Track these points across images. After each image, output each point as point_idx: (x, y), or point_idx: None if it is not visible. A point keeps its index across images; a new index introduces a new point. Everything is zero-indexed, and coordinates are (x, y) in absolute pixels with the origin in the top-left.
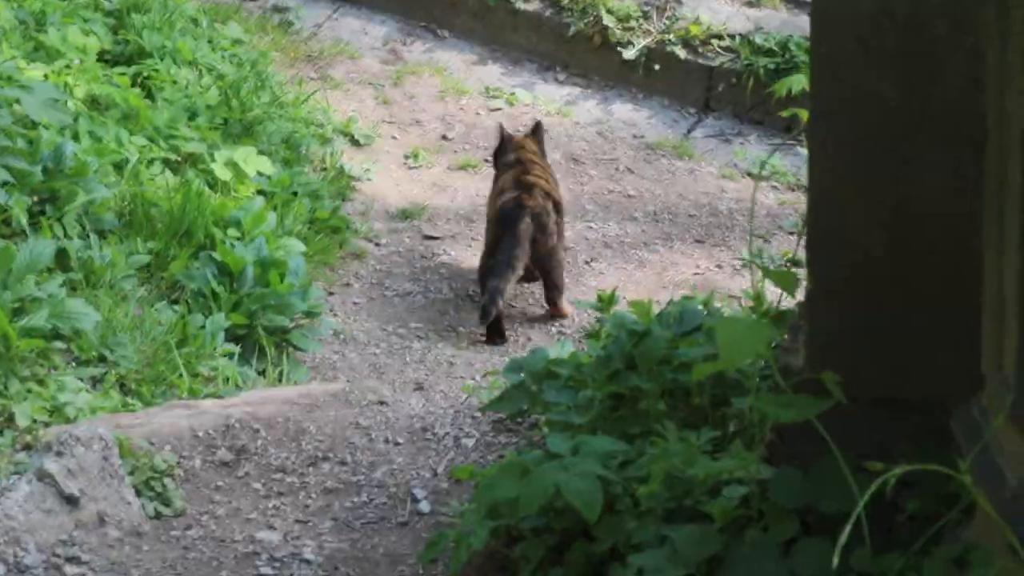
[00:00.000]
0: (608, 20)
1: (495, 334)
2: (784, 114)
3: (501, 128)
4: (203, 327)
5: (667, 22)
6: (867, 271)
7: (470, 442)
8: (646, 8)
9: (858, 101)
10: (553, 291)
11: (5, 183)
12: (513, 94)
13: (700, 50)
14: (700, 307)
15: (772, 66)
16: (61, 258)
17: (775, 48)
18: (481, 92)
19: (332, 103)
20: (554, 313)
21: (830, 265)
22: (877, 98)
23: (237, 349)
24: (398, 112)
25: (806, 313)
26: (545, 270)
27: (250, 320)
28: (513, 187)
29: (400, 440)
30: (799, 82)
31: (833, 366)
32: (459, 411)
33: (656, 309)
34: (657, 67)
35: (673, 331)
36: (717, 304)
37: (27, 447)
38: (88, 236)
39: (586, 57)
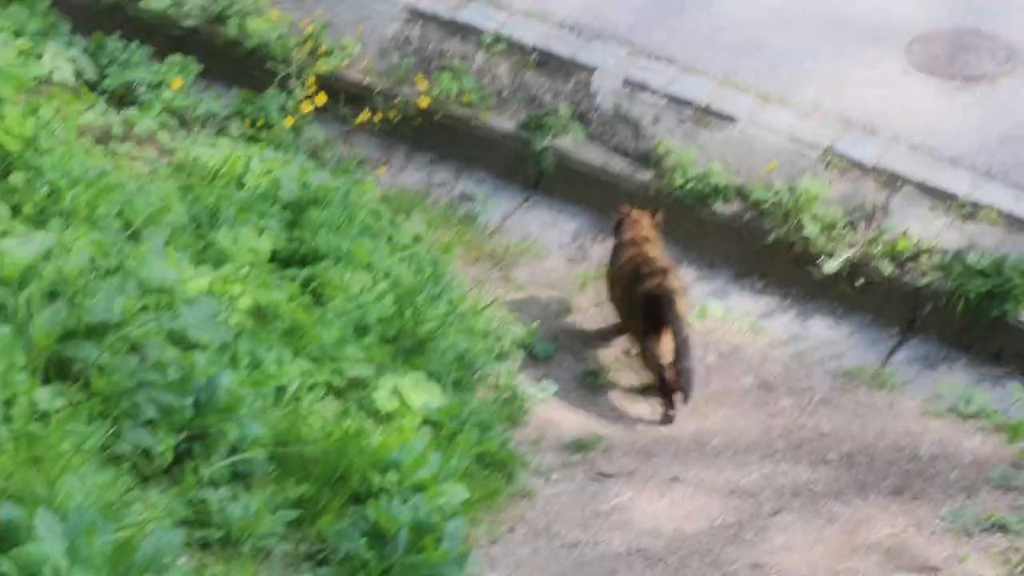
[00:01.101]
0: (810, 229)
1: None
2: None
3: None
4: None
5: (873, 233)
6: None
7: None
8: (852, 217)
9: None
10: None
11: (151, 420)
12: (704, 307)
13: (907, 266)
14: None
15: (984, 289)
16: (201, 508)
17: (989, 269)
18: None
19: (512, 307)
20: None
21: None
22: None
23: None
24: (582, 321)
25: None
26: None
27: None
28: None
29: None
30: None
31: None
32: None
33: None
34: (860, 282)
35: None
36: None
37: None
38: (234, 481)
39: (784, 267)
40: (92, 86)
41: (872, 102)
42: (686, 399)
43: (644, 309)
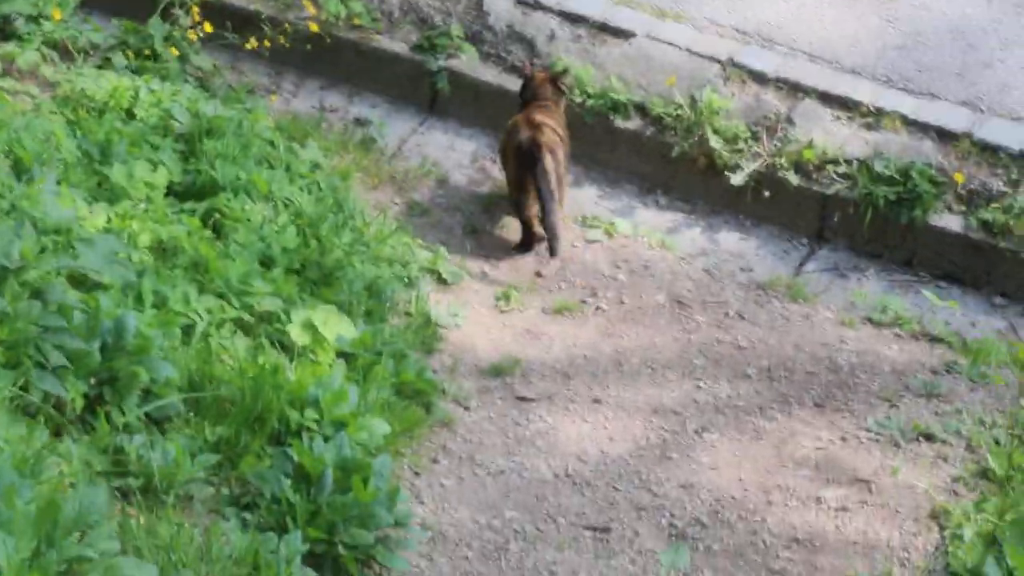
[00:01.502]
0: (714, 141)
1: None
2: None
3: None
4: (275, 551)
5: (778, 144)
6: None
7: None
8: (755, 129)
9: None
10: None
11: (60, 367)
12: (612, 224)
13: (814, 176)
14: None
15: (892, 196)
16: (119, 456)
17: (896, 175)
18: (577, 221)
19: (417, 232)
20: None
21: None
22: None
23: None
24: (488, 243)
25: None
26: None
27: (329, 535)
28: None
29: None
30: None
31: None
32: None
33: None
34: (767, 193)
35: None
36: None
37: None
38: (149, 426)
39: (690, 180)
40: None
41: (768, 14)
42: (552, 254)
43: (515, 161)
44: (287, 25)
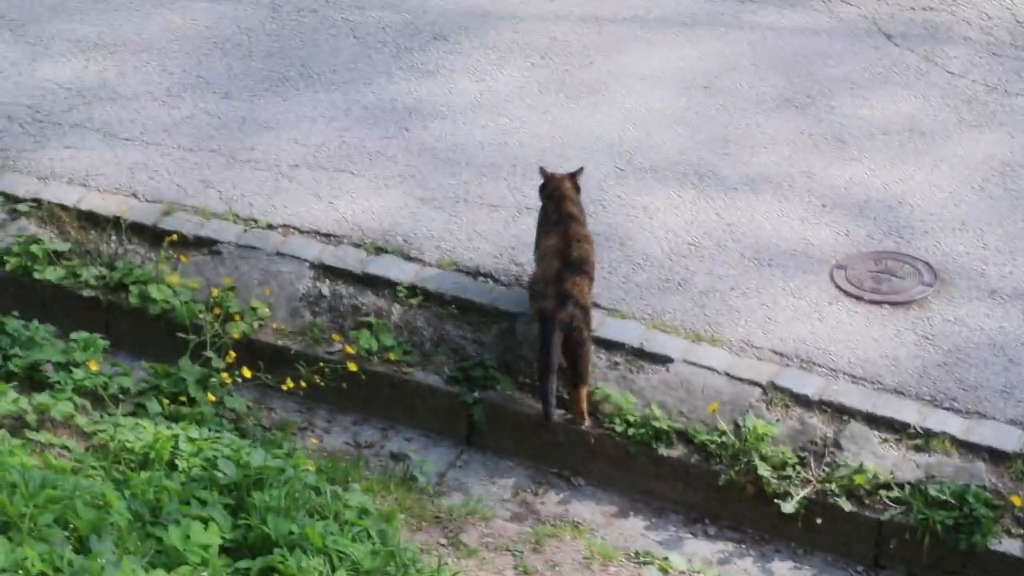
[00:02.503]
0: (762, 469)
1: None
2: None
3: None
4: None
5: (827, 469)
6: None
7: None
8: (803, 454)
9: None
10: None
11: None
12: (667, 559)
13: (867, 501)
14: None
15: (950, 521)
16: None
17: (951, 500)
18: (630, 556)
19: None
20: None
21: None
22: None
23: None
24: None
25: None
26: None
27: None
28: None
29: None
30: None
31: None
32: None
33: None
34: (819, 520)
35: None
36: None
37: None
38: None
39: (739, 508)
40: None
41: (804, 333)
42: (546, 418)
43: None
44: (321, 363)
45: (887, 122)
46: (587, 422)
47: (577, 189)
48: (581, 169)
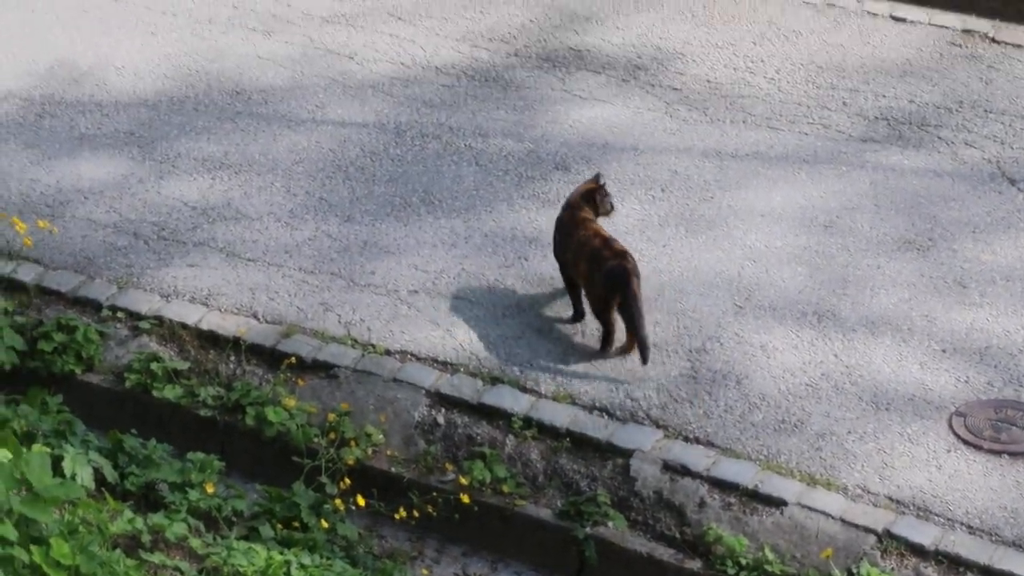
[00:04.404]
0: None
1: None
2: None
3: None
4: None
5: None
6: None
7: None
8: None
9: None
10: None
11: None
12: None
13: None
14: None
15: None
16: None
17: None
18: None
19: None
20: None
21: None
22: None
23: None
24: None
25: None
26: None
27: None
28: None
29: None
30: None
31: None
32: None
33: None
34: None
35: None
36: None
37: None
38: None
39: None
40: (112, 487)
41: (921, 482)
42: (644, 362)
43: (606, 285)
44: (434, 493)
45: (1009, 268)
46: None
47: (593, 202)
48: (604, 183)
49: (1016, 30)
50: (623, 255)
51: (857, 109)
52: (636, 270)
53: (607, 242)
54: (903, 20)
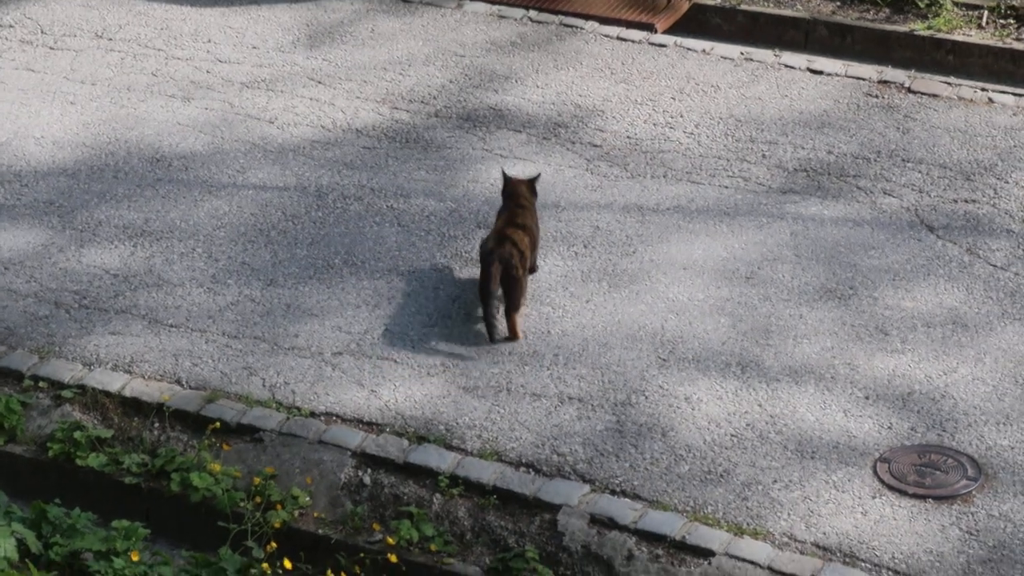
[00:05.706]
0: None
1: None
2: None
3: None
4: None
5: None
6: None
7: None
8: None
9: None
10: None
11: None
12: None
13: None
14: None
15: None
16: None
17: None
18: None
19: None
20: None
21: None
22: None
23: None
24: None
25: None
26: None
27: None
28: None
29: None
30: None
31: None
32: None
33: None
34: None
35: None
36: None
37: None
38: None
39: None
40: (36, 558)
41: (847, 528)
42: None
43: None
44: (362, 554)
45: (930, 314)
46: (520, 338)
47: (533, 193)
48: (538, 175)
49: (931, 80)
50: (503, 240)
51: (776, 161)
52: (504, 255)
53: (503, 228)
54: (820, 72)
